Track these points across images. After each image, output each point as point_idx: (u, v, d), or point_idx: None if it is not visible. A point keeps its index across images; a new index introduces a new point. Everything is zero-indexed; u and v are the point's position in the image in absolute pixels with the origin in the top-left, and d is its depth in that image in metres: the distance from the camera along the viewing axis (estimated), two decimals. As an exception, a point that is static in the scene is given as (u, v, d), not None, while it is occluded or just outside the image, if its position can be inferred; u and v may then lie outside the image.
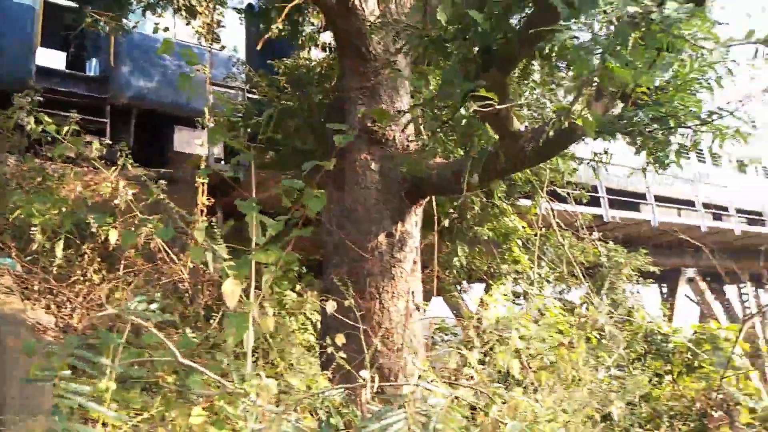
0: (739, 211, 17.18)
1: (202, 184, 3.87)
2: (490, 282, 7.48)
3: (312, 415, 1.95)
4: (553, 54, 1.91)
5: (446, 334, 7.11)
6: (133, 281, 4.05)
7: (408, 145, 4.08)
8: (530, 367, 2.56)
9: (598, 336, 6.03)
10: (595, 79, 1.58)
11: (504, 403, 1.82)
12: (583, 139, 3.62)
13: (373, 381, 1.75)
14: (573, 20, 1.51)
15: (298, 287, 5.56)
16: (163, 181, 4.32)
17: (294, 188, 1.91)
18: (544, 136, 2.36)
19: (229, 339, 1.78)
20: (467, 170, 3.10)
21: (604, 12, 1.45)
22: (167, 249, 3.84)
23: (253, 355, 2.20)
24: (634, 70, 1.51)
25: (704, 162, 17.76)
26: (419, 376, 1.99)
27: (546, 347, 2.71)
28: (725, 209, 16.75)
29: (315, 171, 4.74)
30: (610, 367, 4.92)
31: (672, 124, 3.24)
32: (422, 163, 3.78)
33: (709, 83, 3.45)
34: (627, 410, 3.90)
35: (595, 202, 12.76)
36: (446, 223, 7.01)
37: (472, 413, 2.09)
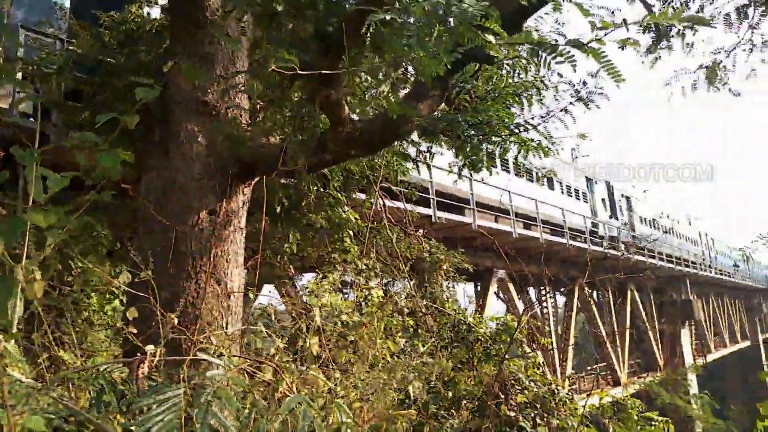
0: (544, 222, 19.54)
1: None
2: (319, 271, 7.55)
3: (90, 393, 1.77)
4: (368, 36, 1.97)
5: (271, 320, 7.02)
6: None
7: (240, 121, 3.93)
8: (334, 347, 2.62)
9: (414, 326, 6.44)
10: (404, 65, 1.65)
11: (301, 378, 1.84)
12: (410, 137, 3.81)
13: (154, 355, 1.64)
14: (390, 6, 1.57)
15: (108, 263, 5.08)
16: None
17: (87, 143, 1.71)
18: (357, 115, 2.41)
19: (-14, 306, 1.54)
20: (295, 151, 3.08)
21: (417, 1, 1.53)
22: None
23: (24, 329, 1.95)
24: (435, 58, 1.62)
25: (521, 177, 19.94)
26: (213, 353, 1.91)
27: (347, 327, 2.80)
28: (534, 219, 18.93)
29: (143, 137, 4.33)
30: (423, 354, 5.26)
31: (486, 131, 3.56)
32: (253, 140, 3.67)
33: (521, 99, 3.86)
34: (427, 391, 4.19)
35: (426, 203, 13.61)
36: (279, 209, 6.94)
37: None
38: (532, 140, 3.76)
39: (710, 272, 39.02)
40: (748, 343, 48.02)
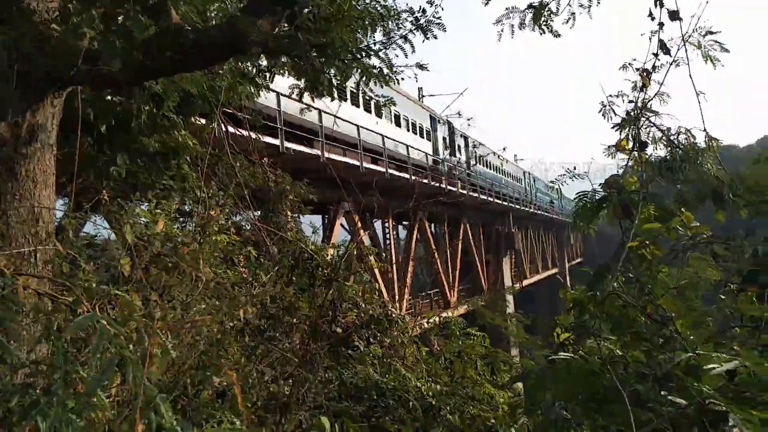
0: (391, 157, 20.19)
1: None
2: (153, 198, 6.99)
3: None
4: None
5: (96, 250, 6.41)
6: None
7: (46, 17, 3.37)
8: (154, 269, 2.47)
9: (257, 255, 6.36)
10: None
11: (109, 300, 1.71)
12: (249, 54, 3.58)
13: None
14: None
15: None
16: None
17: None
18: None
19: None
20: (111, 55, 2.72)
21: None
22: None
23: None
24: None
25: (370, 112, 20.20)
26: None
27: (169, 247, 2.66)
28: (380, 155, 19.47)
29: None
30: (266, 283, 5.23)
31: (328, 54, 3.47)
32: (62, 41, 3.18)
33: (364, 23, 3.82)
34: (265, 317, 4.22)
35: (274, 133, 13.23)
36: (103, 128, 6.24)
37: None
38: (374, 67, 3.76)
39: (530, 208, 43.83)
40: (557, 269, 55.58)
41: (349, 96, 18.59)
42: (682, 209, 3.20)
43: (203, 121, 8.13)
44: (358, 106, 19.38)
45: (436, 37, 3.36)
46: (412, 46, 3.43)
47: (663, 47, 4.08)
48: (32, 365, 1.35)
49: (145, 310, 1.68)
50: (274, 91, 12.61)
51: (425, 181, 22.10)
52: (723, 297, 2.81)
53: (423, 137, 25.95)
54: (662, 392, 2.10)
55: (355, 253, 5.57)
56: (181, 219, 7.56)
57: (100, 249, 5.16)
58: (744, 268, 2.59)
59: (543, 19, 3.32)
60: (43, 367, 1.36)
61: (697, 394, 1.65)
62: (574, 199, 4.17)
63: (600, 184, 4.19)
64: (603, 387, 2.15)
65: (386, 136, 19.87)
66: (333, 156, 15.84)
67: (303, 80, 3.81)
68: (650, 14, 3.89)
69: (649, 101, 4.04)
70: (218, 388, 2.48)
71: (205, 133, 7.94)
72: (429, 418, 4.89)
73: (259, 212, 8.48)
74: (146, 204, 5.97)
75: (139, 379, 1.15)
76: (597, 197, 4.07)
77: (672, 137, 3.96)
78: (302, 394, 3.10)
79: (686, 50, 3.87)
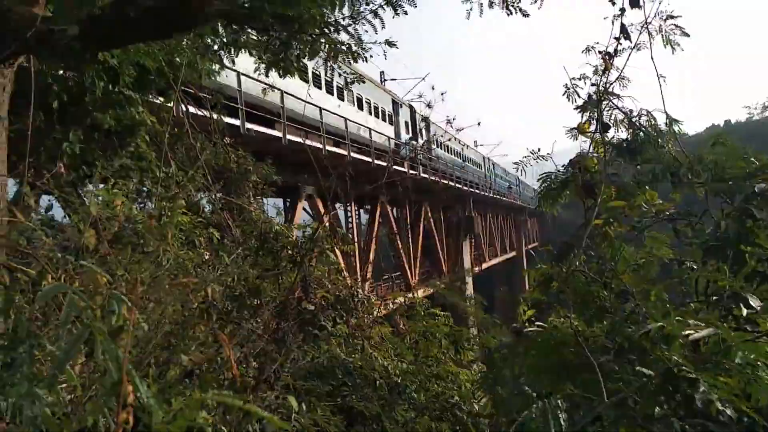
0: (352, 141, 20.05)
1: None
2: (110, 177, 6.70)
3: None
4: None
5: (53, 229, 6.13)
6: None
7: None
8: (118, 243, 2.38)
9: (219, 238, 6.24)
10: None
11: (74, 273, 1.63)
12: (209, 23, 3.45)
13: None
14: None
15: None
16: None
17: None
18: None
19: None
20: (62, 21, 2.58)
21: None
22: None
23: None
24: None
25: (333, 94, 19.96)
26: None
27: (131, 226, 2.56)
28: (343, 138, 19.31)
29: None
30: (229, 265, 5.13)
31: (295, 27, 3.38)
32: (18, 8, 2.99)
33: (333, -1, 3.73)
34: (230, 298, 4.14)
35: (234, 113, 12.92)
36: (55, 103, 5.95)
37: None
38: (343, 43, 3.69)
39: (489, 193, 44.45)
40: (514, 253, 56.73)
41: (311, 77, 18.31)
42: (646, 188, 3.28)
43: (161, 99, 7.85)
44: (320, 88, 19.12)
45: (406, 13, 3.32)
46: (382, 22, 3.38)
47: (624, 32, 4.14)
48: (-8, 340, 1.27)
49: (112, 285, 1.61)
50: (234, 70, 12.28)
51: (387, 164, 22.03)
52: (688, 266, 2.89)
53: (385, 121, 25.85)
54: (626, 364, 2.16)
55: (323, 233, 5.52)
56: (140, 200, 7.32)
57: (57, 229, 4.97)
58: (705, 243, 2.68)
59: (512, -2, 3.32)
60: (3, 342, 1.29)
61: (666, 362, 1.71)
62: (538, 180, 4.22)
63: (563, 165, 4.25)
64: (571, 359, 2.19)
65: (349, 119, 19.70)
66: (295, 138, 15.61)
67: (267, 56, 3.70)
68: (611, -1, 3.93)
69: (611, 85, 4.09)
70: (185, 368, 2.42)
71: (164, 111, 7.67)
72: (394, 396, 4.93)
73: (220, 195, 8.30)
74: (102, 184, 5.74)
75: (113, 352, 1.10)
76: (560, 178, 4.13)
77: (634, 119, 4.03)
78: (272, 373, 3.07)
79: (649, 34, 3.92)
